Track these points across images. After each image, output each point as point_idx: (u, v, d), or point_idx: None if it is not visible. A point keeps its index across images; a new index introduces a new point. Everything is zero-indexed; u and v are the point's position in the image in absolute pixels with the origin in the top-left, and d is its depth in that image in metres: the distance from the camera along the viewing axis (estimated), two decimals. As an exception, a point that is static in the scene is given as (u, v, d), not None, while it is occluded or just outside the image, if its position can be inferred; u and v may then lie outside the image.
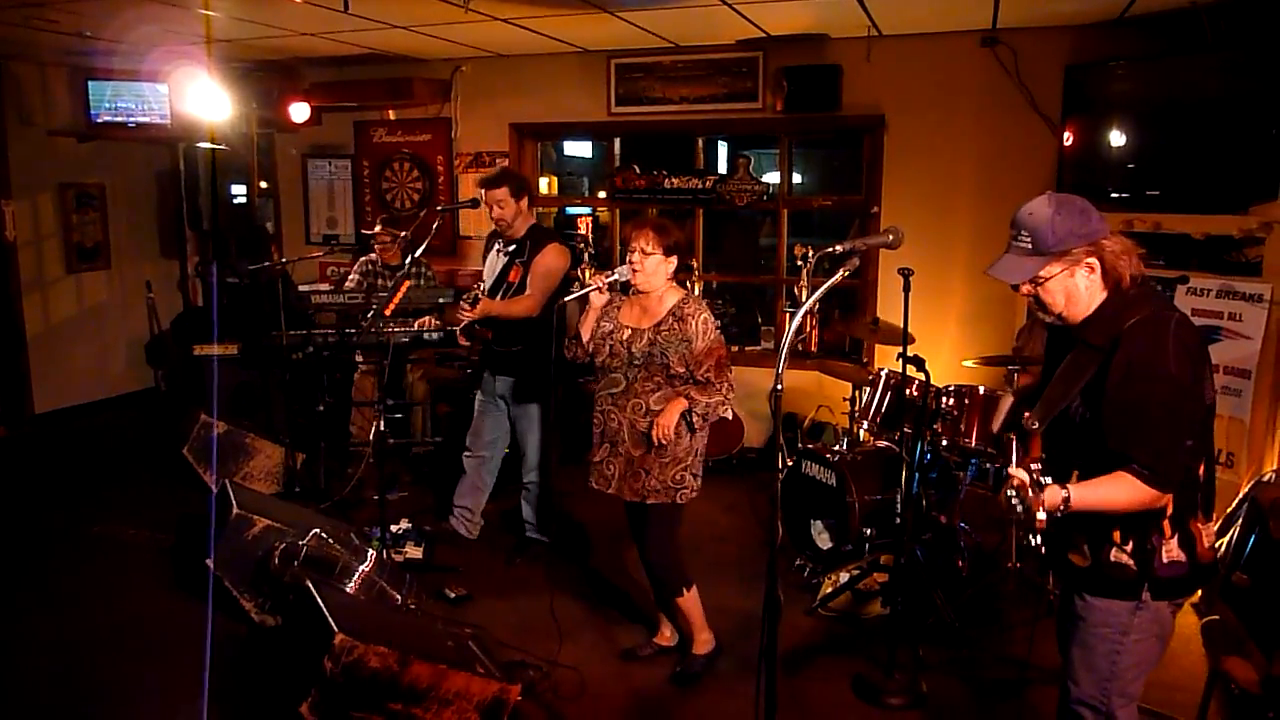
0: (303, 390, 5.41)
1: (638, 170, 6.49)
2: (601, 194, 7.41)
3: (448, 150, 6.92)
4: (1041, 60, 5.24)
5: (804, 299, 5.87)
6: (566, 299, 3.73)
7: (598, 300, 3.39)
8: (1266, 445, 4.26)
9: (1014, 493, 1.96)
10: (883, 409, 4.21)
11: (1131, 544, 2.12)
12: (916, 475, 3.78)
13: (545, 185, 7.58)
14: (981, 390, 4.07)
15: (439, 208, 5.75)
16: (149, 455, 5.93)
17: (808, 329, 6.20)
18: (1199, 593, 3.66)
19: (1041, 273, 2.13)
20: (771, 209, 6.38)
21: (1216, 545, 2.37)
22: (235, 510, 3.81)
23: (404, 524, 4.71)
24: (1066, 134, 5.02)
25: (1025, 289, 2.19)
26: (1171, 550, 2.12)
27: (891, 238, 2.47)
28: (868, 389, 4.38)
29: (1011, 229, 2.18)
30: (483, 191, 4.29)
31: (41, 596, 4.14)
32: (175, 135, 6.66)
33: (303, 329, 5.23)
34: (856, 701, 3.38)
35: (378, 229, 5.84)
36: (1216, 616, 3.67)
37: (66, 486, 5.61)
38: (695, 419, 3.27)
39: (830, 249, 2.60)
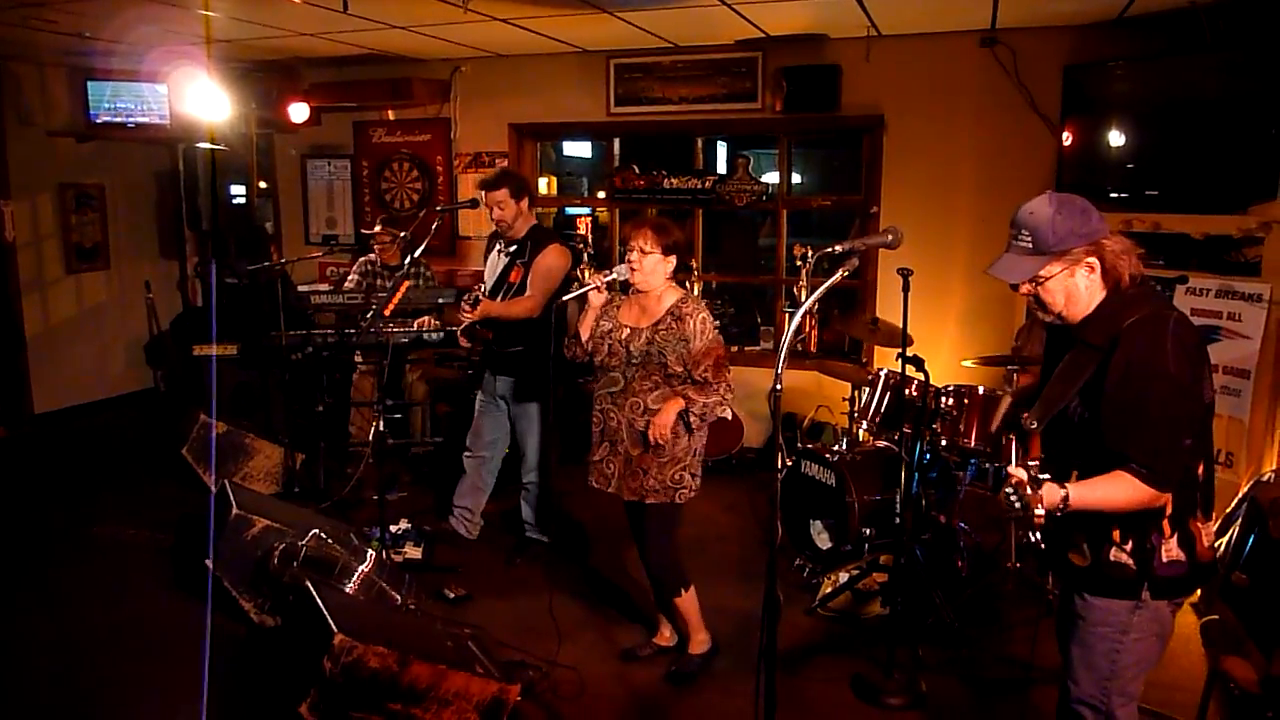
0: (302, 390, 5.41)
1: (637, 170, 6.49)
2: (601, 194, 7.41)
3: (447, 150, 6.92)
4: (1040, 60, 5.24)
5: (803, 299, 5.87)
6: (565, 298, 3.74)
7: (596, 299, 3.40)
8: (1266, 445, 4.26)
9: (1013, 491, 1.97)
10: (882, 409, 4.21)
11: (1131, 543, 2.12)
12: (916, 475, 3.78)
13: (544, 185, 7.58)
14: (981, 390, 4.07)
15: (438, 208, 5.75)
16: (148, 455, 5.92)
17: (807, 329, 6.20)
18: (1198, 592, 3.66)
19: (1041, 272, 2.13)
20: (771, 209, 6.38)
21: (1216, 545, 2.37)
22: (235, 510, 3.81)
23: (403, 524, 4.71)
24: (1066, 134, 5.02)
25: (1025, 288, 2.19)
26: (1171, 550, 2.12)
27: (891, 238, 2.47)
28: (867, 389, 4.38)
29: (1011, 228, 2.18)
30: (483, 193, 4.30)
31: (41, 596, 4.13)
32: (175, 135, 6.66)
33: (302, 329, 5.22)
34: (856, 701, 3.38)
35: (377, 229, 5.84)
36: (1216, 616, 3.66)
37: (66, 487, 5.61)
38: (692, 419, 3.27)
39: (830, 249, 2.60)
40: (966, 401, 4.04)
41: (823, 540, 4.12)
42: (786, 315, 6.35)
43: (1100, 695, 2.22)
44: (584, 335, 3.43)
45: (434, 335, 5.25)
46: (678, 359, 3.27)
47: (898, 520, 3.73)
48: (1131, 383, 2.04)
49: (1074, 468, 2.12)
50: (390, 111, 6.97)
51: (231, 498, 3.89)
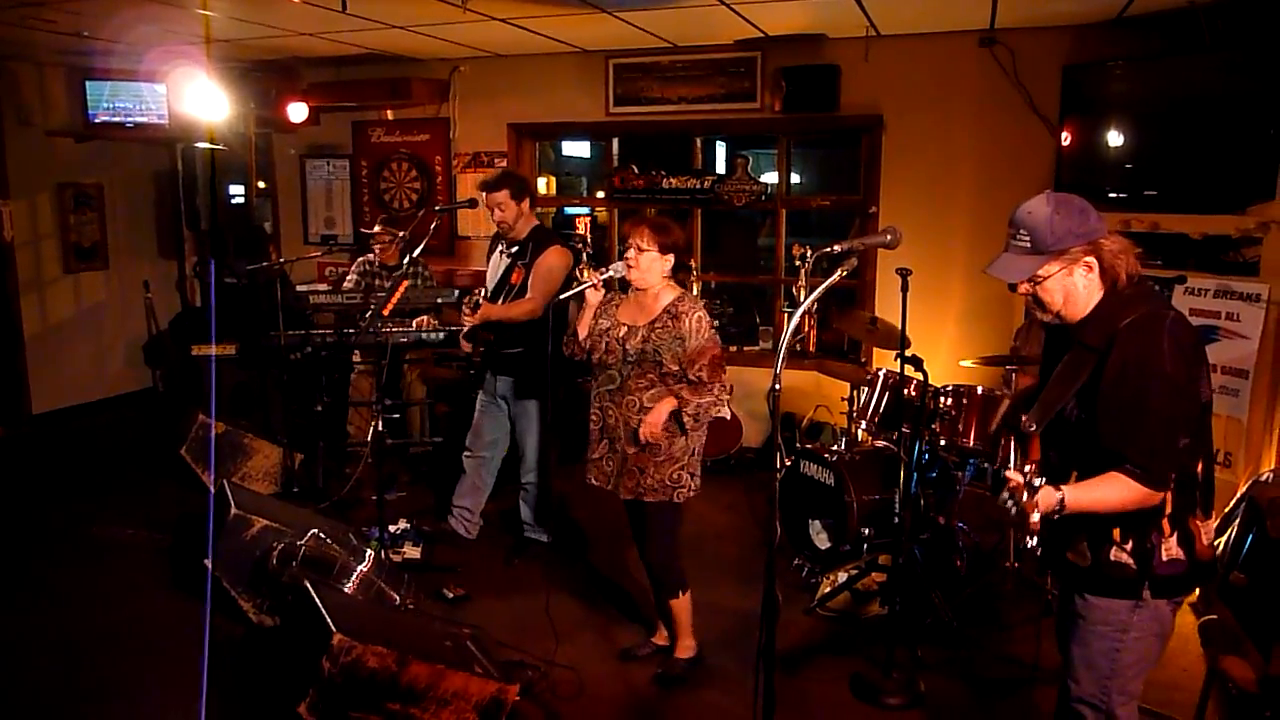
0: (301, 390, 5.41)
1: (636, 170, 6.48)
2: (600, 194, 7.40)
3: (446, 150, 6.92)
4: (1039, 60, 5.25)
5: (802, 299, 5.88)
6: (563, 296, 3.74)
7: (593, 297, 3.40)
8: (1264, 445, 4.26)
9: (1009, 496, 1.97)
10: (881, 409, 4.21)
11: (1131, 543, 2.12)
12: (915, 475, 3.78)
13: (544, 185, 7.58)
14: (979, 390, 4.07)
15: (437, 208, 5.74)
16: (147, 455, 5.91)
17: (806, 329, 6.20)
18: (1197, 592, 3.66)
19: (1040, 271, 2.14)
20: (770, 209, 6.38)
21: (1215, 544, 2.37)
22: (233, 510, 3.81)
23: (402, 524, 4.71)
24: (1064, 134, 5.02)
25: (1023, 288, 2.19)
26: (1171, 549, 2.12)
27: (890, 238, 2.47)
28: (866, 389, 4.38)
29: (1010, 228, 2.18)
30: (483, 194, 4.30)
31: (40, 596, 4.13)
32: (173, 135, 6.66)
33: (301, 329, 5.22)
34: (855, 701, 3.38)
35: (376, 229, 5.83)
36: (1214, 616, 3.66)
37: (65, 487, 5.61)
38: (686, 419, 3.26)
39: (829, 249, 2.60)
40: (965, 401, 4.04)
41: (821, 540, 4.13)
42: (785, 315, 6.35)
43: (1101, 694, 2.22)
44: (582, 333, 3.43)
45: (433, 335, 5.25)
46: (673, 357, 3.26)
47: (896, 520, 3.73)
48: (1128, 382, 2.04)
49: (1073, 469, 2.13)
50: (389, 111, 6.97)
51: (230, 497, 3.89)
